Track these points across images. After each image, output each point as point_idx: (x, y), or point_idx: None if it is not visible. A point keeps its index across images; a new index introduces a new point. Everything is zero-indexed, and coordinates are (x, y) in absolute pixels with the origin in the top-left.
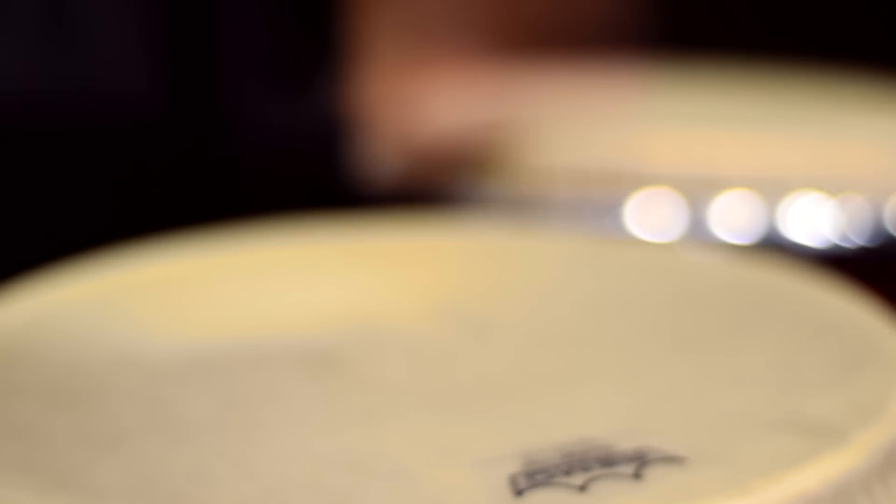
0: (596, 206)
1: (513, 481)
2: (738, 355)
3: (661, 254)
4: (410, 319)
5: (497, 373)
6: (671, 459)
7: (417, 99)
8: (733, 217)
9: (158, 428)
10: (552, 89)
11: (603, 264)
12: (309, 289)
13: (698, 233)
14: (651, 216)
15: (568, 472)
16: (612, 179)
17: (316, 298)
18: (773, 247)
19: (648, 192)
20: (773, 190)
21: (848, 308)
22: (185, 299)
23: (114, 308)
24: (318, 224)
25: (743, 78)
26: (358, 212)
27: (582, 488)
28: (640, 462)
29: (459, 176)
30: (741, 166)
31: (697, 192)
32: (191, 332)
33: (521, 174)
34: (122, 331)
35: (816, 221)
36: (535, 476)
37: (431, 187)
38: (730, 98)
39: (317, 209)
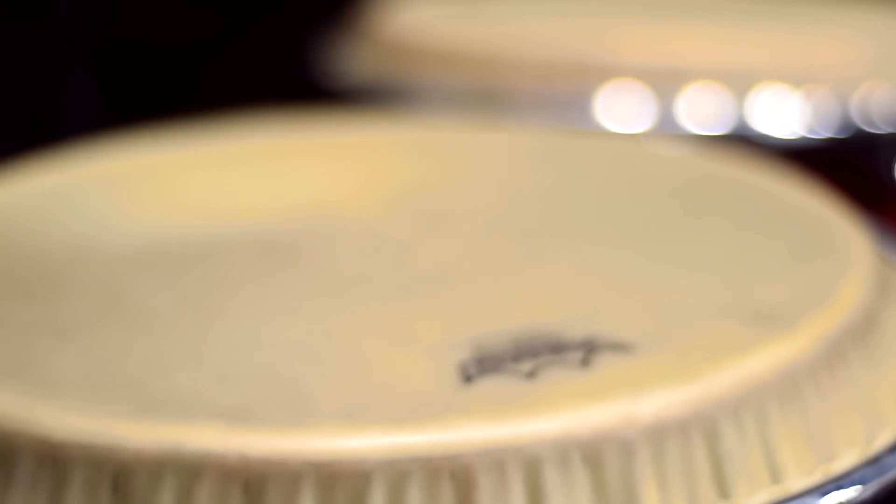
0: (562, 98)
1: (462, 367)
2: (694, 244)
3: (623, 145)
4: (366, 210)
5: (451, 261)
6: (619, 346)
7: None
8: (701, 109)
9: (114, 318)
10: None
11: (562, 155)
12: (266, 181)
13: (666, 125)
14: (619, 108)
15: (517, 358)
16: (578, 72)
17: (273, 190)
18: (740, 139)
19: (615, 84)
20: (740, 81)
21: (804, 199)
22: (145, 192)
23: (73, 201)
24: (280, 118)
25: None
26: (323, 106)
27: (530, 374)
28: (588, 348)
29: (426, 70)
30: (708, 58)
31: (665, 83)
32: (149, 224)
33: (484, 67)
34: (82, 223)
35: (783, 113)
36: (484, 362)
37: (400, 82)
38: None
39: (285, 103)
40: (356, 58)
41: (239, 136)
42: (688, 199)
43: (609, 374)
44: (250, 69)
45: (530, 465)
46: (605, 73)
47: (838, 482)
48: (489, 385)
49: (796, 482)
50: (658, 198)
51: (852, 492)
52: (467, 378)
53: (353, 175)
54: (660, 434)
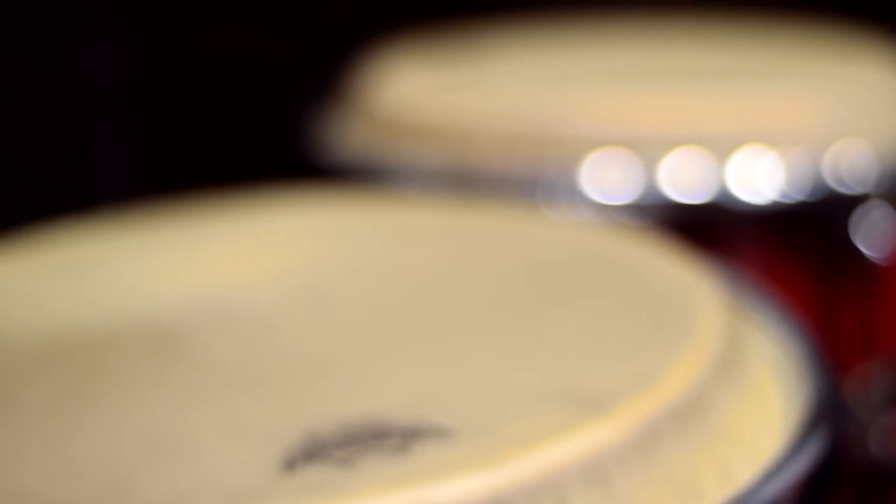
0: (547, 171)
1: (288, 456)
2: (549, 328)
3: (519, 224)
4: (260, 295)
5: (317, 348)
6: (439, 432)
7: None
8: (684, 174)
9: None
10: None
11: (457, 236)
12: (172, 272)
13: (650, 192)
14: (604, 177)
15: (340, 445)
16: (563, 144)
17: (175, 280)
18: (717, 206)
19: (600, 153)
20: (720, 146)
21: (672, 276)
22: (58, 286)
23: None
24: (209, 203)
25: (642, 31)
26: (312, 180)
27: (348, 462)
28: (409, 435)
29: (408, 144)
30: (688, 124)
31: (648, 151)
32: (51, 316)
33: (466, 142)
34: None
35: (760, 176)
36: (309, 450)
37: (384, 156)
38: (639, 53)
39: (276, 176)
40: (345, 130)
41: (156, 226)
42: (559, 282)
43: (420, 460)
44: (243, 140)
45: None
46: (590, 143)
47: None
48: (307, 473)
49: None
50: (531, 281)
51: None
52: (290, 466)
53: (253, 263)
54: None
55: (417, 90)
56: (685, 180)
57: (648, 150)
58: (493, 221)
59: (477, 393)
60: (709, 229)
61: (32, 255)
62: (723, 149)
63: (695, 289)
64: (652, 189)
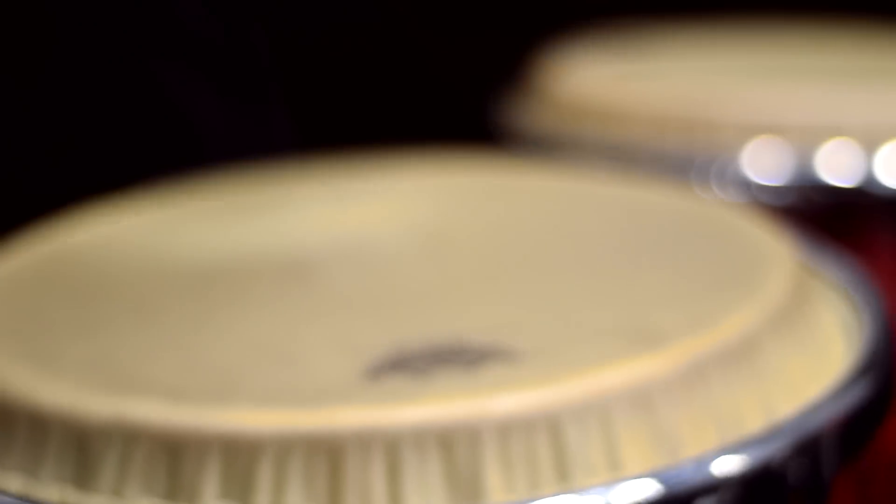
0: (707, 155)
1: (373, 366)
2: (629, 276)
3: (620, 188)
4: (385, 240)
5: (423, 283)
6: (509, 354)
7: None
8: (836, 163)
9: (137, 319)
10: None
11: (567, 197)
12: (318, 215)
13: (805, 179)
14: (762, 163)
15: (420, 359)
16: (727, 130)
17: (319, 222)
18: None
19: (758, 140)
20: (869, 136)
21: (759, 242)
22: (207, 224)
23: (153, 232)
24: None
25: (784, 33)
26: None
27: (423, 373)
28: (482, 354)
29: (588, 127)
30: (842, 114)
31: (804, 140)
32: (201, 250)
33: (639, 125)
34: (152, 249)
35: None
36: (392, 365)
37: (564, 137)
38: (784, 53)
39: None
40: (524, 113)
41: (313, 180)
42: (647, 237)
43: (485, 376)
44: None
45: (391, 447)
46: (750, 130)
47: (673, 473)
48: (386, 381)
49: (634, 471)
50: (622, 236)
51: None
52: (373, 374)
53: (387, 214)
54: (506, 428)
55: (590, 78)
56: (832, 167)
57: (796, 138)
58: (604, 184)
59: (549, 325)
60: (851, 215)
61: (193, 200)
62: (869, 139)
63: (773, 252)
64: (798, 172)
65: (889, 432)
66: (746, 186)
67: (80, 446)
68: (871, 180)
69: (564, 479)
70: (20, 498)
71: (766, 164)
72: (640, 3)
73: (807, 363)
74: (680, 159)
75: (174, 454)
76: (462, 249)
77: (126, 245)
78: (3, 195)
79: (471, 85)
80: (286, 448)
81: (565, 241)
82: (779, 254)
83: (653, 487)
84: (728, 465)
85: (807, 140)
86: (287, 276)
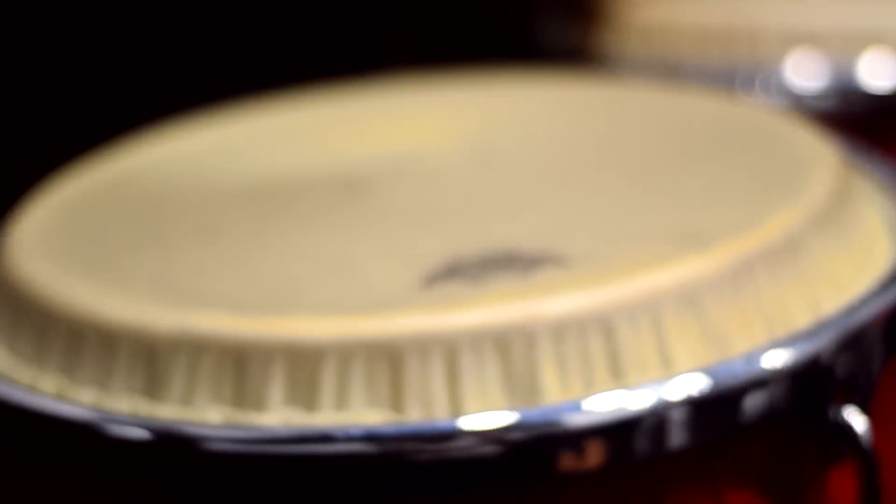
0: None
1: (430, 275)
2: (677, 182)
3: (674, 97)
4: (439, 154)
5: (477, 195)
6: (560, 259)
7: None
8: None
9: (198, 236)
10: None
11: (621, 105)
12: (371, 135)
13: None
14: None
15: (475, 266)
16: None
17: (373, 143)
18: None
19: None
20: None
21: (804, 147)
22: (268, 144)
23: (216, 151)
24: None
25: None
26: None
27: (478, 280)
28: (535, 260)
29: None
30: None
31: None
32: (265, 168)
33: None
34: (216, 167)
35: None
36: (447, 273)
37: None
38: None
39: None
40: (571, 28)
41: (366, 99)
42: (695, 144)
43: (538, 280)
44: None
45: (449, 351)
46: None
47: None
48: (442, 287)
49: (685, 367)
50: (669, 143)
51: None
52: (430, 282)
53: (440, 128)
54: (560, 329)
55: None
56: (871, 73)
57: (835, 46)
58: (650, 93)
59: (599, 231)
60: (890, 118)
61: (258, 118)
62: None
63: (817, 154)
64: (839, 79)
65: None
66: (789, 94)
67: (149, 358)
68: None
69: (618, 377)
70: (94, 409)
71: (807, 72)
72: None
73: (851, 262)
74: (723, 70)
75: (240, 363)
76: (511, 160)
77: (186, 165)
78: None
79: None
80: (348, 354)
81: (611, 149)
82: (821, 155)
83: (704, 382)
84: (776, 360)
85: (846, 48)
86: (340, 190)
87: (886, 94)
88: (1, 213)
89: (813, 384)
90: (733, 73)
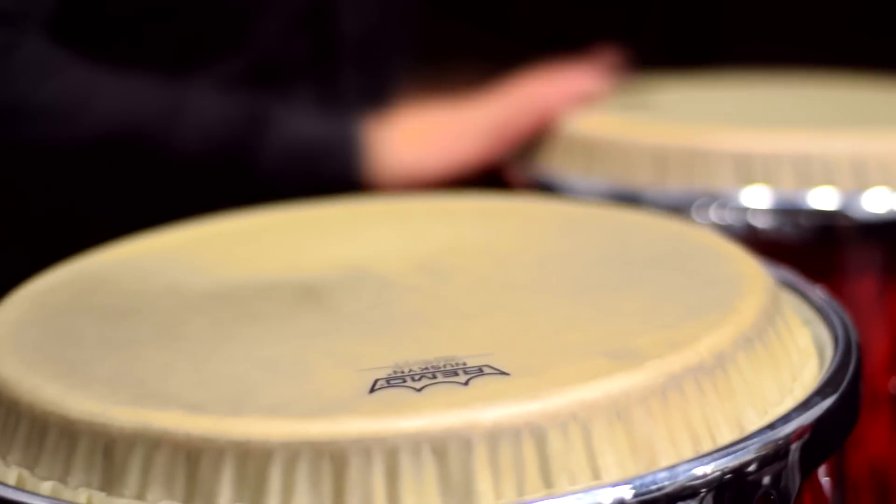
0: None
1: (374, 382)
2: (617, 300)
3: (622, 215)
4: (389, 265)
5: (424, 307)
6: (499, 373)
7: None
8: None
9: (160, 337)
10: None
11: (569, 224)
12: (324, 242)
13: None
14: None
15: (417, 378)
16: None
17: (328, 249)
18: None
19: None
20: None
21: (737, 269)
22: (230, 250)
23: (179, 254)
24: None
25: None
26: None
27: (419, 389)
28: (474, 374)
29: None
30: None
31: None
32: (223, 273)
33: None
34: (178, 271)
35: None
36: (391, 380)
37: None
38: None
39: None
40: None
41: (326, 208)
42: (637, 262)
43: (477, 392)
44: None
45: (389, 453)
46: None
47: (649, 481)
48: (385, 395)
49: (613, 477)
50: (613, 261)
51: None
52: (372, 390)
53: (389, 239)
54: (495, 436)
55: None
56: (818, 203)
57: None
58: (597, 209)
59: (538, 347)
60: (832, 244)
61: (212, 225)
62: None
63: (752, 277)
64: (787, 207)
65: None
66: (740, 219)
67: (107, 452)
68: (853, 212)
69: (549, 485)
70: (53, 499)
71: (758, 199)
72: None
73: (779, 380)
74: (676, 192)
75: (192, 460)
76: (460, 273)
77: (152, 268)
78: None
79: None
80: (294, 454)
81: (557, 265)
82: (756, 278)
83: (630, 493)
84: (700, 473)
85: (797, 179)
86: (295, 297)
87: (830, 223)
88: None
89: (735, 497)
90: (690, 196)
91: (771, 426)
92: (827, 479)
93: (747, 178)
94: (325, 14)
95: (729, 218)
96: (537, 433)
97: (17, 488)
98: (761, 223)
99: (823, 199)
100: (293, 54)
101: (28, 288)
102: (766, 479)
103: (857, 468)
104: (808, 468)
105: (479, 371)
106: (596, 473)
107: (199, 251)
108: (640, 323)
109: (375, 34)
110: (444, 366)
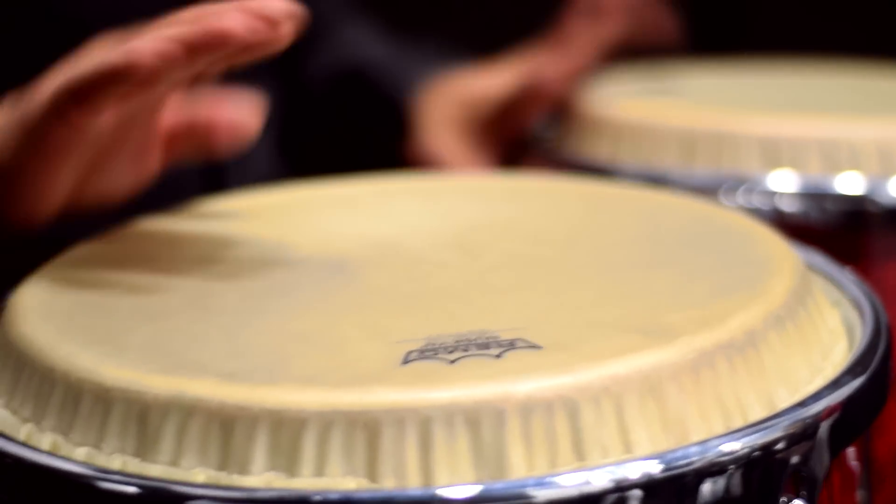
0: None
1: (407, 355)
2: (648, 278)
3: (652, 196)
4: (421, 240)
5: (456, 282)
6: (532, 346)
7: None
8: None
9: (192, 309)
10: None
11: (595, 200)
12: (356, 218)
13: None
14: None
15: (450, 351)
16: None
17: (359, 225)
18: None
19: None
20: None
21: (767, 248)
22: (261, 224)
23: (211, 228)
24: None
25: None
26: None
27: (452, 361)
28: (507, 347)
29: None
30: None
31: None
32: (255, 246)
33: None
34: (210, 244)
35: None
36: (424, 352)
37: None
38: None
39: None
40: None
41: (349, 184)
42: (668, 242)
43: (510, 365)
44: None
45: (423, 423)
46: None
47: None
48: (419, 367)
49: (644, 451)
50: (645, 240)
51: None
52: (405, 362)
53: (425, 216)
54: (528, 408)
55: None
56: (845, 187)
57: (812, 160)
58: (626, 189)
59: (570, 322)
60: (859, 227)
61: (256, 197)
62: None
63: (782, 257)
64: (814, 191)
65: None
66: (768, 202)
67: (141, 420)
68: (879, 196)
69: (581, 458)
70: (87, 465)
71: (785, 183)
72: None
73: (809, 358)
74: (703, 176)
75: (226, 428)
76: (492, 249)
77: (184, 240)
78: None
79: None
80: (328, 423)
81: (588, 242)
82: (786, 259)
83: (660, 467)
84: (730, 449)
85: (824, 162)
86: (329, 271)
87: (857, 208)
88: (8, 278)
89: (764, 474)
90: (717, 179)
91: (801, 404)
92: (855, 462)
93: (774, 163)
94: None
95: (756, 202)
96: (570, 406)
97: (52, 453)
98: (788, 207)
99: (850, 184)
100: None
101: (60, 259)
102: (795, 458)
103: (882, 453)
104: (836, 448)
105: (512, 344)
106: (628, 447)
107: (232, 225)
108: (672, 301)
109: None
110: (477, 339)
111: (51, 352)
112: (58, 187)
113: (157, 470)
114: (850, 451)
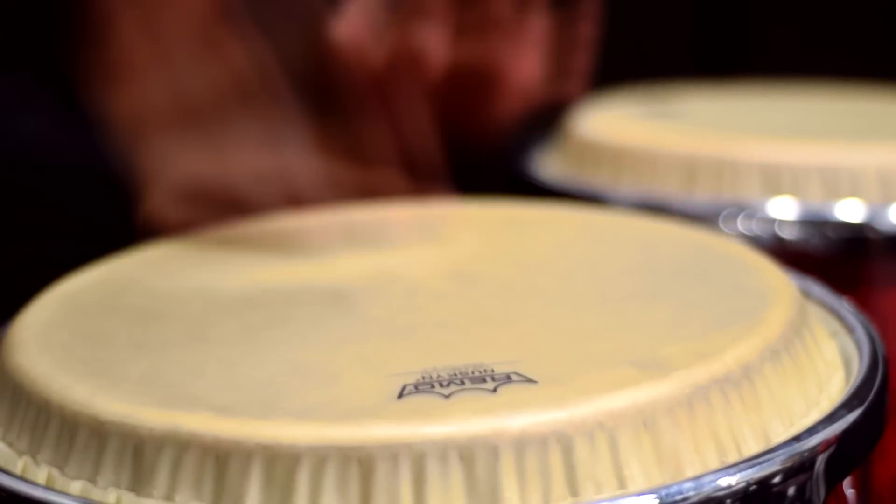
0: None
1: (402, 388)
2: (643, 310)
3: (650, 225)
4: (417, 270)
5: (452, 313)
6: (527, 381)
7: None
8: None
9: (189, 340)
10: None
11: (597, 232)
12: (356, 246)
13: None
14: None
15: (445, 384)
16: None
17: (358, 253)
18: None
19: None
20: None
21: (764, 279)
22: (259, 253)
23: (209, 257)
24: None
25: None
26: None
27: (447, 396)
28: (502, 381)
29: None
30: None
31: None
32: (253, 275)
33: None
34: (207, 273)
35: None
36: (420, 386)
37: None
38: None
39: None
40: (552, 156)
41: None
42: (662, 268)
43: (504, 399)
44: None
45: (417, 458)
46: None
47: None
48: (414, 401)
49: (638, 487)
50: (640, 270)
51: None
52: (400, 395)
53: (423, 246)
54: (522, 444)
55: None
56: (845, 215)
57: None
58: (624, 217)
59: (566, 355)
60: (859, 256)
61: (254, 226)
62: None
63: (779, 288)
64: (814, 218)
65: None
66: (767, 229)
67: (136, 453)
68: (880, 224)
69: (574, 493)
70: (82, 499)
71: (785, 210)
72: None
73: (805, 392)
74: (703, 202)
75: (221, 462)
76: (488, 280)
77: (182, 270)
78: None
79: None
80: (322, 458)
81: (584, 273)
82: (783, 289)
83: (655, 503)
84: (725, 484)
85: (824, 190)
86: (325, 302)
87: (857, 235)
88: (5, 309)
89: None
90: (717, 206)
91: (796, 438)
92: (852, 490)
93: (775, 189)
94: None
95: (756, 228)
96: (564, 441)
97: (47, 487)
98: (788, 234)
99: (851, 211)
100: None
101: (57, 289)
102: (792, 491)
103: (882, 480)
104: (833, 481)
105: (507, 378)
106: (622, 482)
107: (229, 255)
108: (667, 333)
109: None
110: (473, 372)
111: (46, 384)
112: None
113: None
114: (847, 482)
